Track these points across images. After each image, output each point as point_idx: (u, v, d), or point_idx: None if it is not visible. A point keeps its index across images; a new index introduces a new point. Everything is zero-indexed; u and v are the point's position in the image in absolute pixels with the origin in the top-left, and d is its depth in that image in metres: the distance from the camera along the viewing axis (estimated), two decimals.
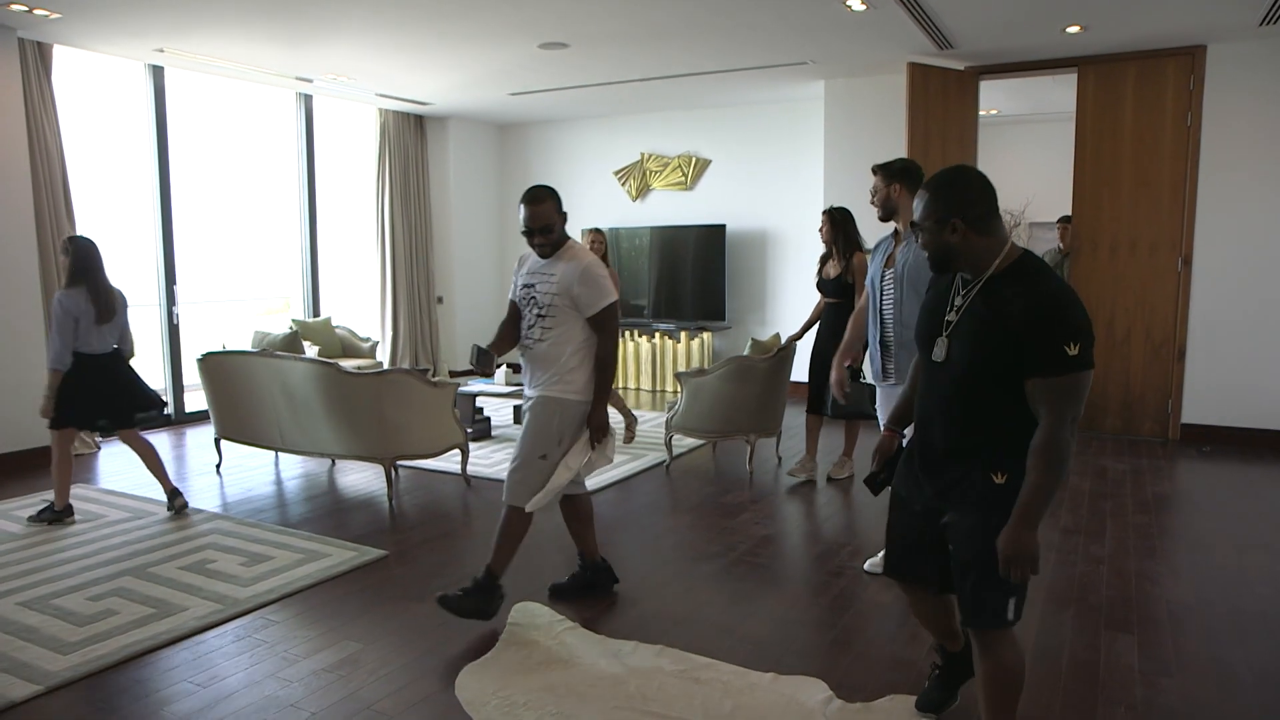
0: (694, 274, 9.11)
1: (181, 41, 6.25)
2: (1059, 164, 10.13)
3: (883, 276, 3.71)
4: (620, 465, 5.91)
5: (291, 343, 6.87)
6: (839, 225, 5.45)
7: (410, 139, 9.39)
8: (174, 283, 7.35)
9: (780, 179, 8.91)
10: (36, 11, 5.45)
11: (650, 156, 9.54)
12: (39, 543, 4.44)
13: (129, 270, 8.17)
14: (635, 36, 6.22)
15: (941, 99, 6.99)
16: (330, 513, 5.04)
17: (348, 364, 6.37)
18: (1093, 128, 6.84)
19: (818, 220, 8.18)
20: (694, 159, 9.33)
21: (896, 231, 3.74)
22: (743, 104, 8.94)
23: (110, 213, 8.12)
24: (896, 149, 7.22)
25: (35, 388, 6.09)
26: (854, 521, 4.75)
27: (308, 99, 8.46)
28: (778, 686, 2.95)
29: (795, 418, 7.44)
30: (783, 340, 5.97)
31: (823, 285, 5.60)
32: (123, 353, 4.81)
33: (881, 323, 3.73)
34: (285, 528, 4.70)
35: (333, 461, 6.13)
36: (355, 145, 9.19)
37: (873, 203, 3.78)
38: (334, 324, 8.23)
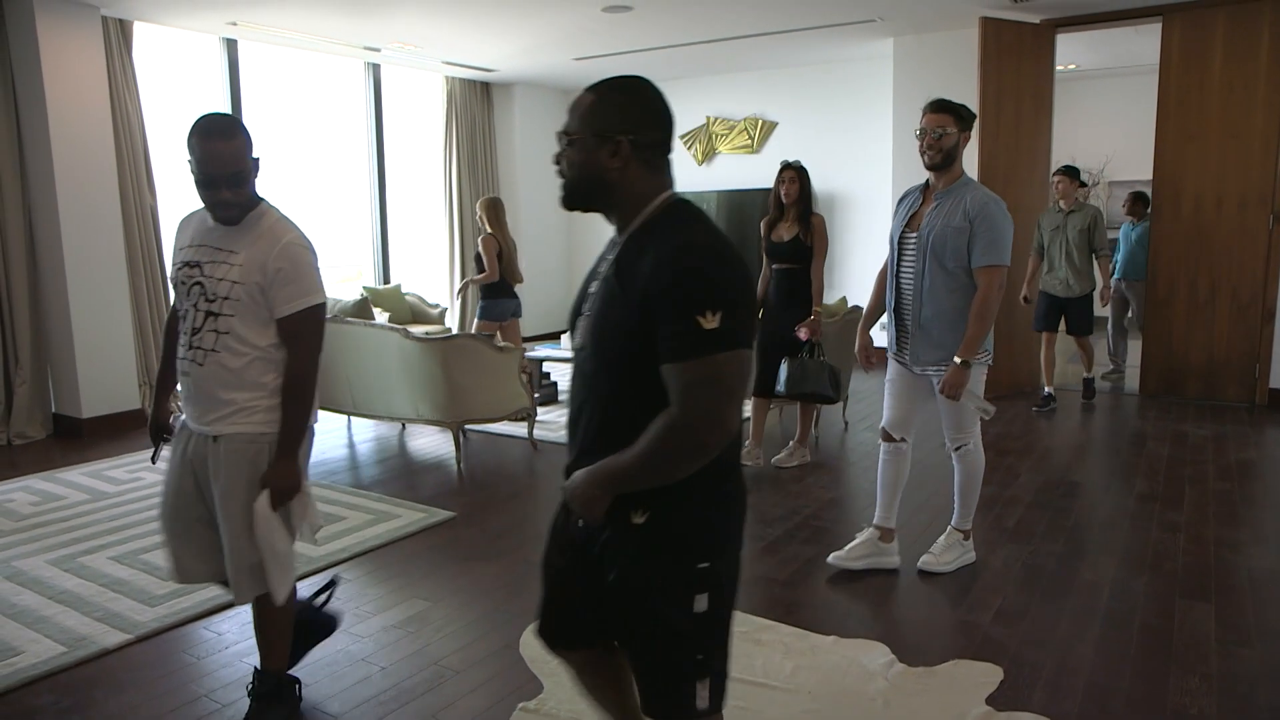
0: (761, 237, 9.01)
1: (253, 14, 6.37)
2: (1140, 119, 9.70)
3: (902, 238, 3.36)
4: None
5: (362, 309, 7.02)
6: (806, 183, 4.97)
7: (477, 106, 9.45)
8: None
9: (848, 140, 8.74)
10: None
11: (716, 120, 9.43)
12: (129, 501, 4.66)
13: None
14: None
15: (1015, 54, 6.74)
16: (400, 475, 5.17)
17: (417, 330, 6.48)
18: (1178, 79, 6.53)
19: (884, 182, 8.06)
20: (760, 121, 9.20)
21: (928, 185, 3.35)
22: (810, 64, 8.76)
23: (189, 185, 8.38)
24: (968, 107, 7.01)
25: (125, 352, 6.38)
26: (920, 485, 4.68)
27: (376, 68, 8.57)
28: (839, 649, 2.94)
29: (861, 382, 7.34)
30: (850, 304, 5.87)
31: (775, 249, 5.02)
32: None
33: (898, 289, 3.40)
34: (357, 489, 4.84)
35: (403, 425, 6.27)
36: (423, 113, 9.28)
37: (927, 145, 3.18)
38: (403, 291, 8.39)
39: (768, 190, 9.16)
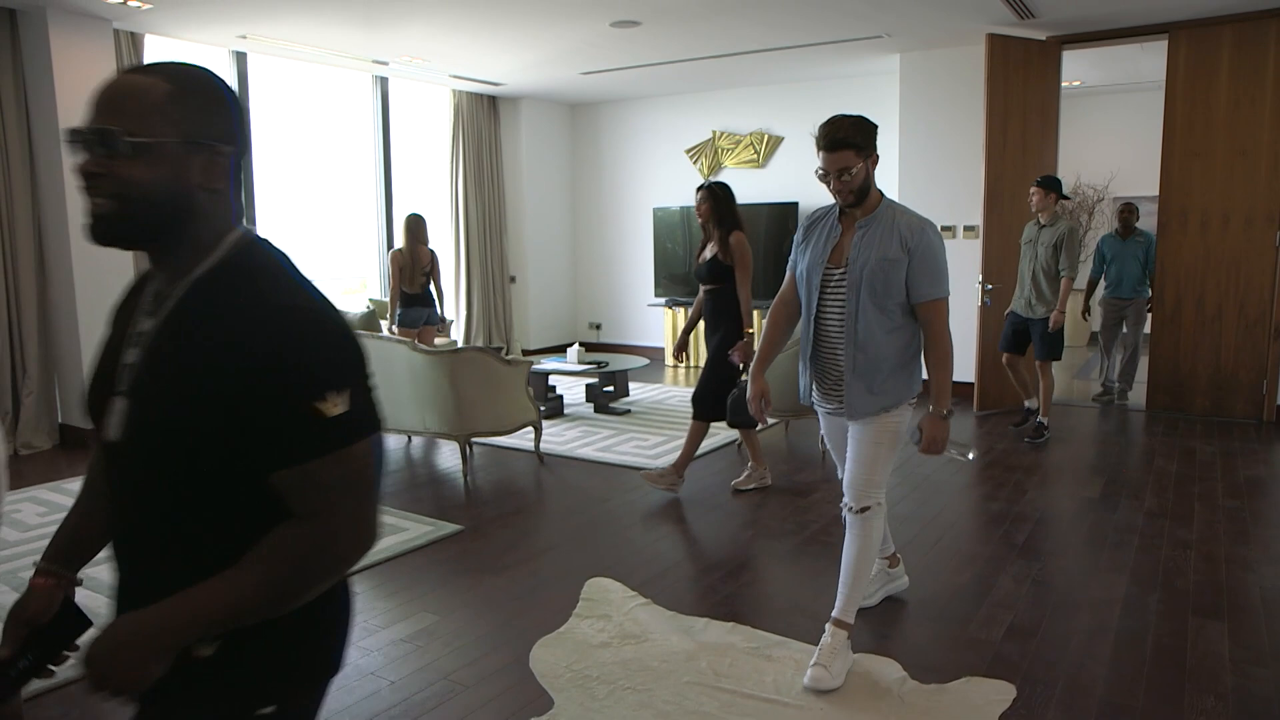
0: (766, 251, 9.03)
1: (263, 27, 6.41)
2: (1146, 135, 9.74)
3: (823, 273, 2.87)
4: None
5: (369, 322, 7.03)
6: (720, 201, 4.81)
7: (483, 119, 9.49)
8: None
9: None
10: (130, 3, 5.65)
11: (722, 134, 9.46)
12: None
13: None
14: (707, 13, 6.17)
15: (1022, 71, 6.77)
16: (408, 488, 5.16)
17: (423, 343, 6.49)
18: (1184, 95, 6.55)
19: (892, 196, 8.07)
20: (766, 136, 9.22)
21: (843, 211, 2.87)
22: (816, 79, 8.79)
23: None
24: (973, 124, 7.03)
25: None
26: (926, 502, 4.67)
27: (383, 81, 8.61)
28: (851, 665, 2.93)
29: None
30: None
31: (697, 271, 4.89)
32: None
33: (819, 333, 2.91)
34: None
35: (409, 438, 6.27)
36: (430, 126, 9.32)
37: (835, 188, 2.78)
38: None
39: (773, 205, 9.24)
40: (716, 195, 4.82)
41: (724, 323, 4.78)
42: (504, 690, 2.83)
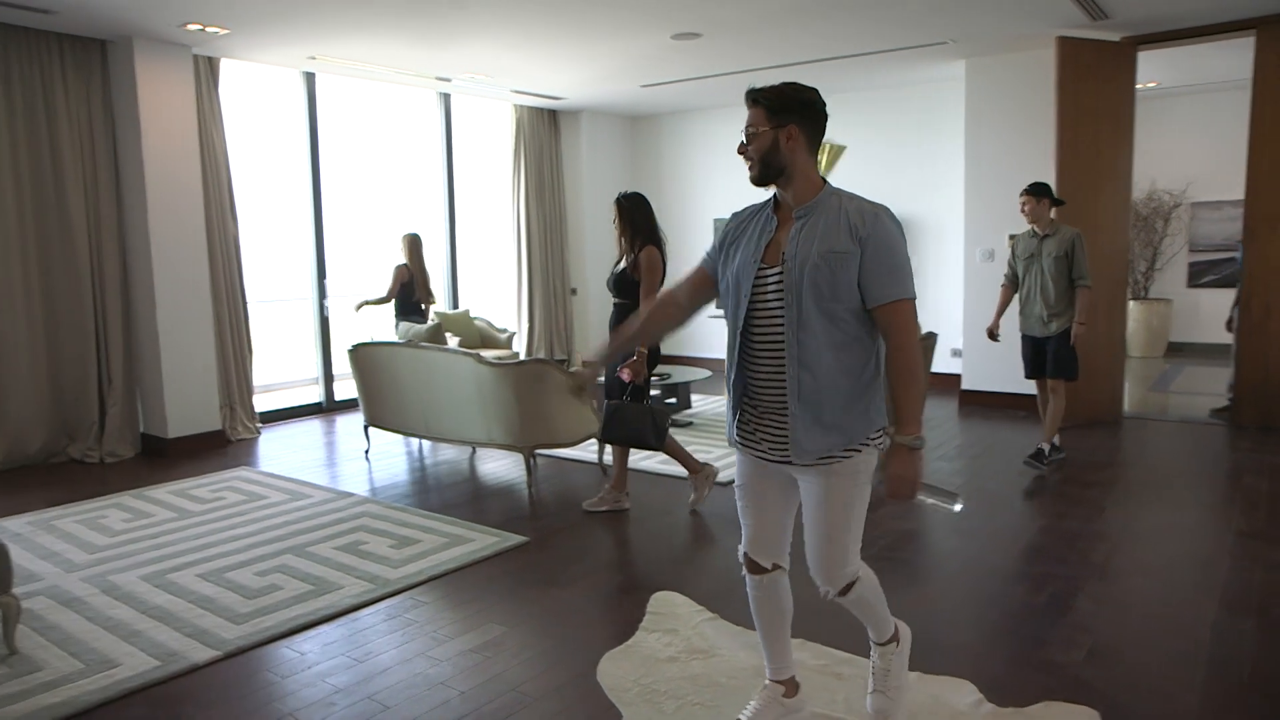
0: None
1: (332, 48, 6.57)
2: (1228, 138, 9.42)
3: (755, 275, 2.30)
4: None
5: (435, 334, 7.14)
6: (626, 213, 4.65)
7: (544, 133, 9.58)
8: (325, 277, 7.75)
9: (919, 164, 8.63)
10: (209, 29, 5.84)
11: None
12: (212, 520, 4.78)
13: (286, 266, 8.68)
14: (767, 23, 6.14)
15: (1094, 74, 6.59)
16: (472, 499, 5.21)
17: (487, 354, 6.57)
18: (1273, 94, 6.30)
19: (958, 206, 7.93)
20: (828, 146, 9.13)
21: (778, 203, 2.36)
22: (879, 88, 8.69)
23: (268, 212, 8.65)
24: (1042, 130, 6.87)
25: (209, 376, 6.58)
26: (994, 516, 4.55)
27: (447, 98, 8.75)
28: (924, 686, 2.86)
29: (934, 409, 7.20)
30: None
31: (607, 282, 4.80)
32: None
33: (747, 353, 2.33)
34: (430, 512, 4.89)
35: (473, 449, 6.33)
36: (492, 141, 9.44)
37: (742, 154, 2.33)
38: (472, 316, 8.50)
39: None
40: (623, 207, 4.69)
41: None
42: (572, 703, 2.83)
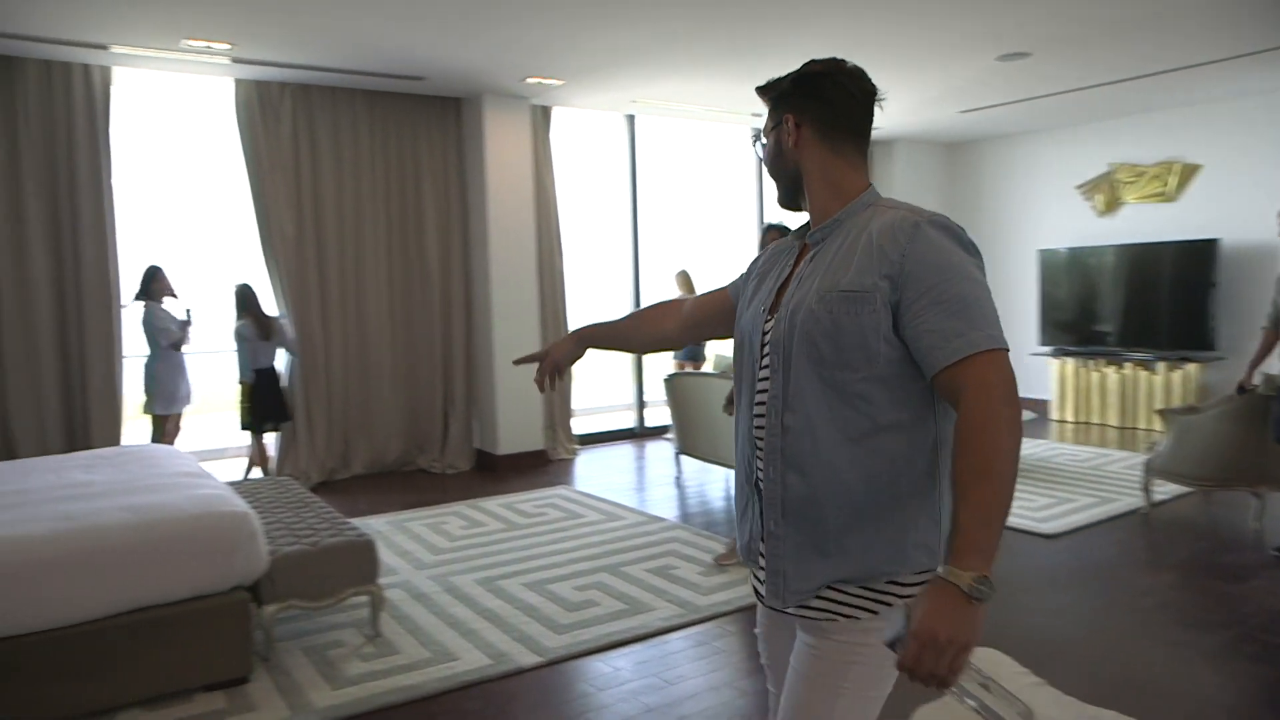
0: (1172, 296, 7.97)
1: (651, 90, 6.94)
2: None
3: (762, 329, 1.60)
4: (1086, 508, 5.34)
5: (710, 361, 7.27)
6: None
7: None
8: (640, 307, 8.14)
9: None
10: (546, 81, 6.42)
11: (1120, 166, 8.54)
12: (536, 533, 5.16)
13: (604, 296, 9.26)
14: (1106, 36, 5.62)
15: None
16: None
17: None
18: None
19: None
20: (1178, 165, 8.17)
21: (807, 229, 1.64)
22: (1238, 97, 7.64)
23: (589, 245, 9.28)
24: None
25: (535, 399, 7.15)
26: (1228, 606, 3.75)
27: (758, 132, 8.90)
28: None
29: None
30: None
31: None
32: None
33: (749, 438, 1.61)
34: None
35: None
36: None
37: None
38: None
39: (1185, 244, 8.11)
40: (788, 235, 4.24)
41: None
42: None
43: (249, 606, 3.23)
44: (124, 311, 5.88)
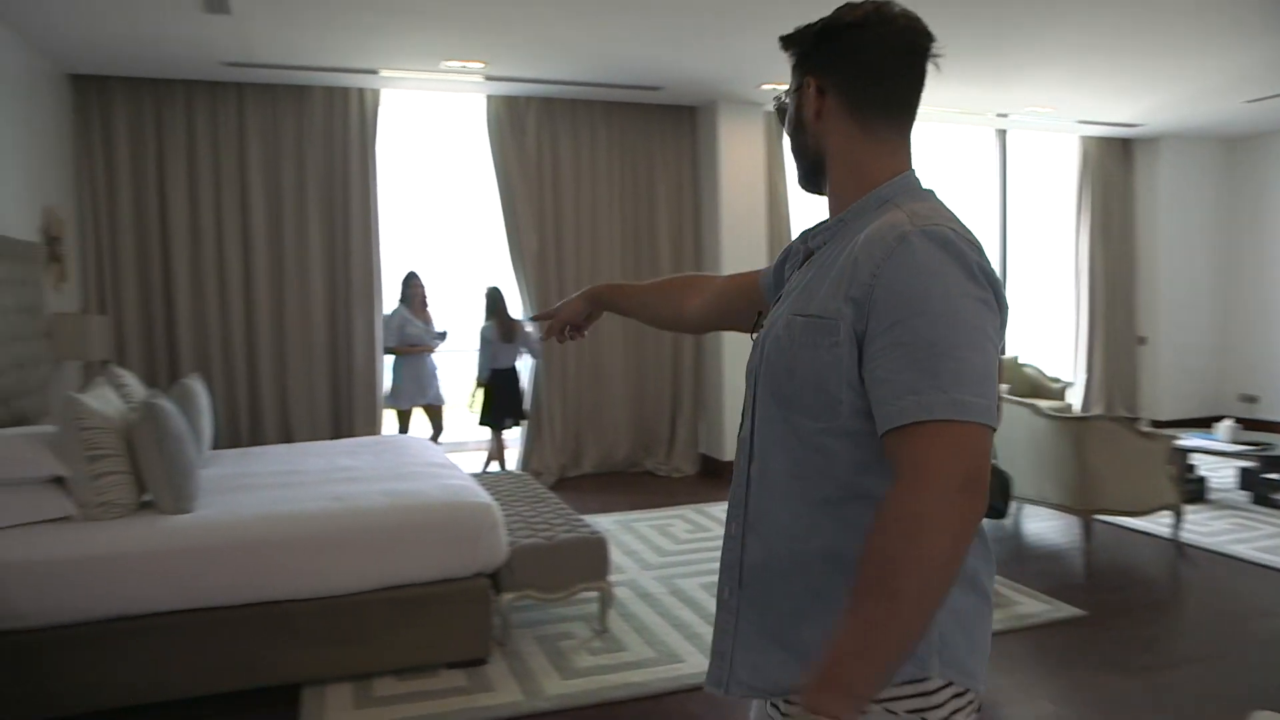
0: None
1: None
2: None
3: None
4: None
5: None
6: None
7: (1113, 165, 8.68)
8: None
9: None
10: (781, 87, 6.37)
11: None
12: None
13: None
14: None
15: None
16: (1015, 558, 4.84)
17: (1043, 404, 6.10)
18: None
19: None
20: None
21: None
22: None
23: None
24: None
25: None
26: None
27: (1003, 134, 8.40)
28: None
29: None
30: None
31: None
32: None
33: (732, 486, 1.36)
34: None
35: (1019, 505, 5.90)
36: (1051, 176, 8.82)
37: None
38: (1020, 362, 7.99)
39: None
40: None
41: None
42: None
43: (489, 593, 3.42)
44: (384, 314, 6.45)
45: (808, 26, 1.25)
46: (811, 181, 1.33)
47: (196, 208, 5.96)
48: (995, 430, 1.06)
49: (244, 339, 6.10)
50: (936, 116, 7.52)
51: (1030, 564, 4.73)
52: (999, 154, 8.43)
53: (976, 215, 8.64)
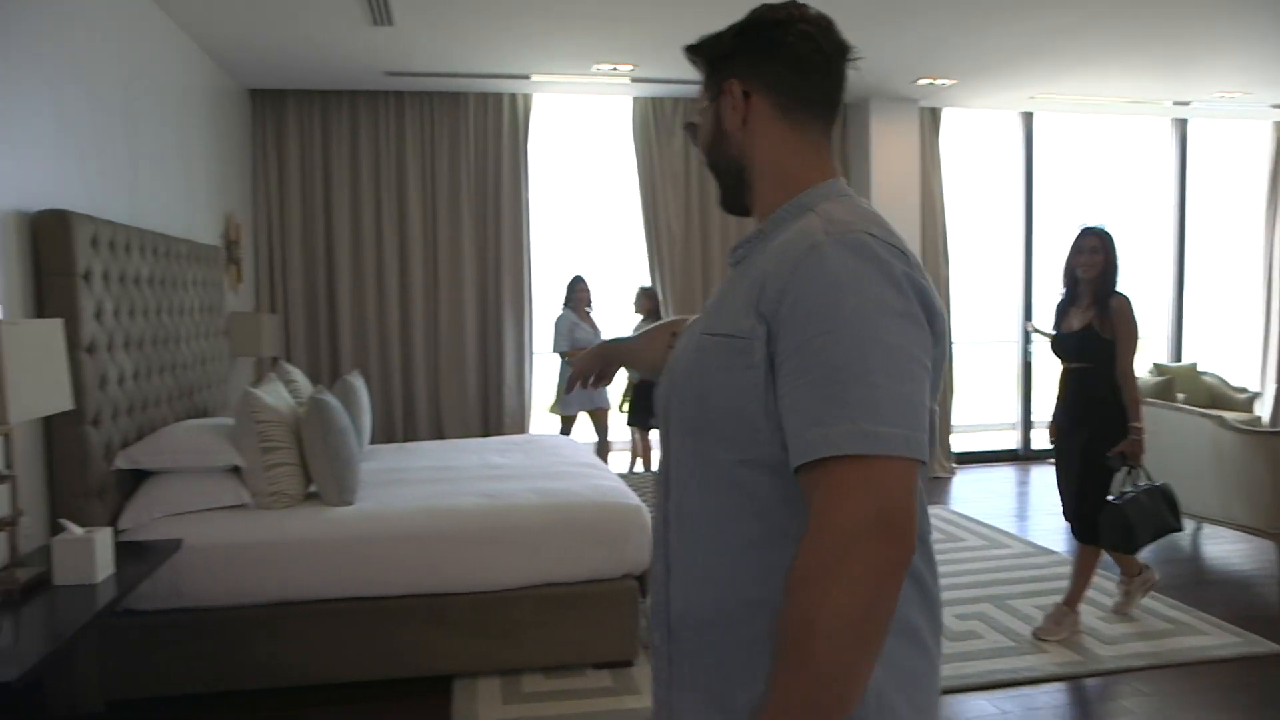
0: None
1: (1054, 86, 6.32)
2: None
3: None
4: None
5: (1163, 389, 6.34)
6: (1113, 252, 3.64)
7: None
8: (1029, 317, 7.49)
9: None
10: (938, 82, 6.11)
11: None
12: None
13: (990, 306, 8.65)
14: None
15: None
16: (1195, 583, 4.46)
17: (1230, 417, 5.62)
18: None
19: None
20: None
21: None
22: None
23: (976, 253, 8.72)
24: None
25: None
26: None
27: (1183, 123, 7.78)
28: None
29: None
30: None
31: (1061, 343, 3.78)
32: None
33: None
34: None
35: (1199, 524, 5.44)
36: (1239, 167, 8.12)
37: None
38: (1200, 370, 7.38)
39: None
40: (1111, 245, 3.66)
41: (1096, 413, 3.62)
42: None
43: (637, 595, 3.41)
44: (536, 315, 6.54)
45: (720, 31, 1.18)
46: (734, 198, 1.23)
47: (358, 213, 6.25)
48: (923, 463, 0.94)
49: (400, 338, 6.34)
50: (1107, 108, 7.05)
51: (1213, 590, 4.34)
52: (1176, 145, 7.82)
53: (1149, 214, 8.08)
